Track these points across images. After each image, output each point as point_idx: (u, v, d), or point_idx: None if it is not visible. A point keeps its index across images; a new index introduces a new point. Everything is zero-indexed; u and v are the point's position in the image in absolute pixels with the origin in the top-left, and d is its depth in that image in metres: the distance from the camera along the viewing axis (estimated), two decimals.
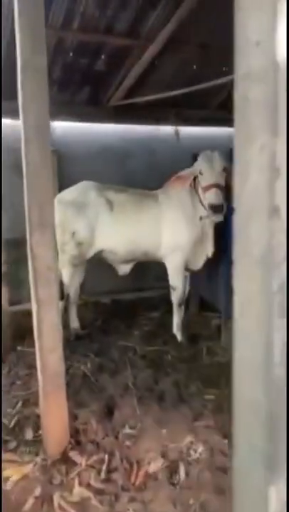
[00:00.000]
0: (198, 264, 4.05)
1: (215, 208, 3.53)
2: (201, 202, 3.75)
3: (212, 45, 3.88)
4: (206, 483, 2.24)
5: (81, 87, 4.14)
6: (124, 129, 4.98)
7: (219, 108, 4.95)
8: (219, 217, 3.67)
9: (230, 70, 4.11)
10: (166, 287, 5.37)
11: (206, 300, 4.62)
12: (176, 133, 4.46)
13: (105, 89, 4.24)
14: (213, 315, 4.62)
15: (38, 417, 2.88)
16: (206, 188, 3.59)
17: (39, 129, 2.25)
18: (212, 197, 3.54)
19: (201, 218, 3.77)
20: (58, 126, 4.36)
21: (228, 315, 3.97)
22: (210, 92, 4.50)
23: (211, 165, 3.62)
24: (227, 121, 5.07)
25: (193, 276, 4.42)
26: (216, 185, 3.56)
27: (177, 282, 4.05)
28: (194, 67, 4.07)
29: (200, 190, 3.73)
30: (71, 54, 3.63)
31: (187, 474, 2.30)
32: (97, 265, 4.51)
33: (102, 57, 3.73)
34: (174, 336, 4.17)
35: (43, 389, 2.46)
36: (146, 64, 3.83)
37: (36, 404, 3.02)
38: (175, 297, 4.10)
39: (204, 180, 3.63)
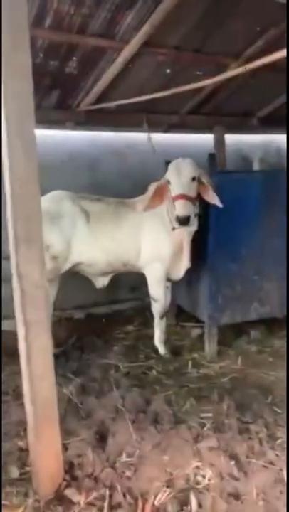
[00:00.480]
0: (180, 274, 3.91)
1: (181, 220, 3.35)
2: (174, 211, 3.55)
3: (187, 49, 3.77)
4: None
5: (50, 91, 3.91)
6: (94, 136, 4.78)
7: (191, 113, 4.86)
8: (191, 228, 3.54)
9: (204, 75, 4.04)
10: (141, 299, 5.22)
11: (185, 310, 4.48)
12: (150, 140, 4.31)
13: (76, 93, 4.03)
14: (192, 325, 4.50)
15: (22, 451, 2.62)
16: (174, 199, 3.43)
17: (24, 134, 2.01)
18: (178, 208, 3.36)
19: (173, 229, 3.61)
20: None
21: (214, 323, 3.86)
22: (183, 97, 4.40)
23: (179, 174, 3.45)
24: (201, 127, 5.03)
25: (172, 286, 4.28)
26: (183, 196, 3.38)
27: (158, 294, 3.88)
28: (168, 71, 3.95)
29: (171, 200, 3.55)
30: (41, 55, 3.40)
31: (199, 505, 2.12)
32: (68, 279, 4.28)
33: (74, 58, 3.52)
34: (155, 350, 4.00)
35: (33, 420, 2.19)
36: (120, 67, 3.67)
37: (18, 436, 2.76)
38: (156, 309, 3.94)
39: (172, 191, 3.47)
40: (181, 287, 4.31)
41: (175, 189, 3.42)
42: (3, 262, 4.30)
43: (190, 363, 3.77)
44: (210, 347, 3.90)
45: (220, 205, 3.44)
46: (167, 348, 3.98)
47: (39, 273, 2.11)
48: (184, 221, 3.34)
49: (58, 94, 3.98)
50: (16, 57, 1.96)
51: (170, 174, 3.49)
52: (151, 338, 4.16)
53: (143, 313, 4.90)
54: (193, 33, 3.61)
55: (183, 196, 3.37)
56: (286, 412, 2.73)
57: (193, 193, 3.44)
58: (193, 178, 3.43)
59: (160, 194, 3.58)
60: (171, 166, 3.53)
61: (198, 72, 4.06)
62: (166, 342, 4.05)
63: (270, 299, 4.06)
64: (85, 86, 3.93)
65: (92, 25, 3.25)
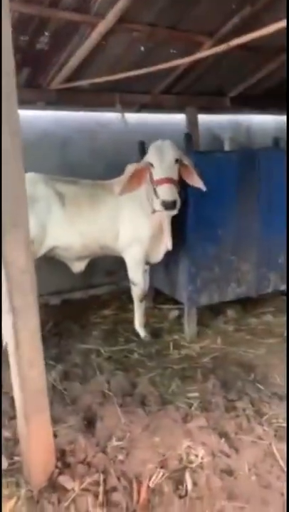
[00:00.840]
0: (159, 256, 3.88)
1: (167, 205, 3.27)
2: (155, 194, 3.48)
3: (161, 26, 3.68)
4: (217, 489, 2.10)
5: (20, 69, 3.72)
6: (65, 115, 4.62)
7: (164, 93, 4.78)
8: (172, 212, 3.45)
9: (178, 53, 3.97)
10: (116, 283, 5.18)
11: (161, 292, 4.48)
12: (123, 118, 4.21)
13: (47, 70, 3.86)
14: (170, 307, 4.51)
15: (8, 440, 2.56)
16: (158, 183, 3.33)
17: (7, 110, 1.91)
18: (164, 193, 3.27)
19: (153, 212, 3.55)
20: None
21: (193, 305, 3.88)
22: (156, 76, 4.32)
23: (162, 157, 3.35)
24: (174, 107, 4.97)
25: (150, 270, 4.26)
26: (167, 180, 3.29)
27: (137, 277, 3.85)
28: (142, 48, 3.84)
29: (153, 184, 3.47)
30: (11, 29, 3.21)
31: (194, 483, 2.14)
32: (44, 264, 4.17)
33: (46, 34, 3.36)
34: (134, 333, 3.99)
35: (23, 409, 2.14)
36: (93, 43, 3.53)
37: (3, 426, 2.68)
38: (135, 293, 3.90)
39: (156, 174, 3.36)
40: (159, 270, 4.30)
41: (159, 173, 3.32)
42: None
43: (171, 344, 3.79)
44: (189, 328, 3.93)
45: (204, 188, 3.39)
46: (147, 330, 3.98)
47: (25, 258, 2.03)
48: (170, 206, 3.25)
49: (29, 72, 3.80)
50: None
51: (152, 157, 3.37)
52: (130, 321, 4.15)
53: (119, 298, 4.87)
54: (169, 9, 3.51)
55: (168, 180, 3.27)
56: (286, 402, 2.77)
57: (176, 176, 3.36)
58: (176, 161, 3.35)
59: (138, 177, 3.47)
60: (152, 149, 3.42)
61: (172, 51, 3.98)
62: (146, 325, 4.04)
63: (247, 280, 4.12)
64: (57, 63, 3.77)
65: None
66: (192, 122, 5.07)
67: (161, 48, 3.98)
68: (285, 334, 3.81)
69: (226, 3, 3.63)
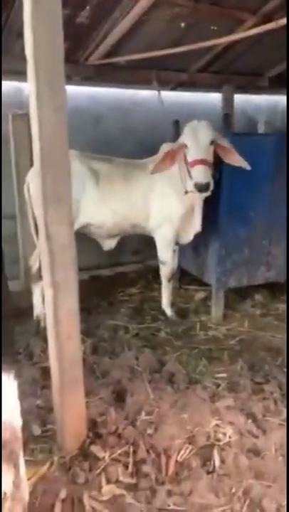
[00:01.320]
0: (189, 237, 3.88)
1: (200, 187, 3.23)
2: (189, 175, 3.46)
3: (204, 1, 3.59)
4: (244, 468, 2.15)
5: None
6: (99, 92, 4.60)
7: (200, 71, 4.69)
8: (205, 194, 3.40)
9: (219, 30, 3.88)
10: (142, 262, 5.22)
11: (187, 273, 4.50)
12: (160, 96, 4.16)
13: (85, 45, 3.83)
14: (196, 288, 4.53)
15: (41, 408, 2.65)
16: (192, 164, 3.29)
17: (54, 85, 1.92)
18: (197, 175, 3.23)
19: (186, 192, 3.54)
20: (26, 86, 3.91)
21: (221, 287, 3.89)
22: (194, 54, 4.24)
23: (197, 138, 3.30)
24: (210, 85, 4.87)
25: (179, 250, 4.27)
26: (202, 161, 3.25)
27: (166, 257, 3.87)
28: (182, 25, 3.76)
29: (187, 165, 3.43)
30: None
31: (222, 460, 2.20)
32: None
33: (87, 7, 3.32)
34: (161, 312, 4.03)
35: (59, 381, 2.21)
36: (135, 18, 3.48)
37: (35, 395, 2.78)
38: (164, 272, 3.93)
39: (190, 156, 3.32)
40: (187, 251, 4.30)
41: (193, 154, 3.28)
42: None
43: (197, 325, 3.82)
44: (216, 310, 3.95)
45: (248, 167, 3.34)
46: (173, 310, 4.02)
47: (68, 233, 2.08)
48: (203, 188, 3.22)
49: (67, 47, 3.75)
50: (46, 2, 1.84)
51: (187, 138, 3.33)
52: (156, 300, 4.20)
53: (145, 276, 4.92)
54: None
55: (202, 161, 3.23)
56: (286, 402, 2.79)
57: (211, 158, 3.32)
58: (212, 142, 3.31)
59: (171, 157, 3.44)
60: (187, 129, 3.38)
61: (212, 27, 3.89)
62: (172, 305, 4.08)
63: (277, 264, 4.09)
64: (96, 38, 3.73)
65: None
66: (228, 102, 4.98)
67: (201, 25, 3.90)
68: None
69: None
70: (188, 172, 3.36)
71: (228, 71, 4.85)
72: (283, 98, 5.72)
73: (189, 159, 3.34)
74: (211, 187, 3.31)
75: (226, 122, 3.57)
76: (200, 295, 4.41)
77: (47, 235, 2.03)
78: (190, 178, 3.36)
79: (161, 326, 3.81)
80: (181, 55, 4.04)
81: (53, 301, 2.09)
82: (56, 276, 2.07)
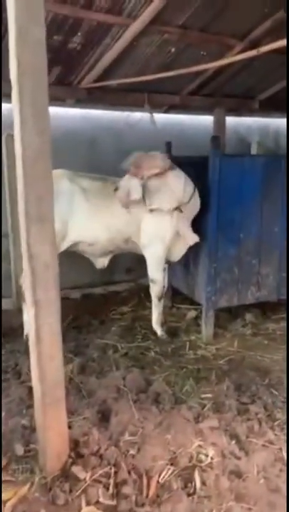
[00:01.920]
0: (179, 255, 3.93)
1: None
2: None
3: (193, 28, 3.70)
4: (225, 490, 2.13)
5: (51, 67, 3.80)
6: (93, 114, 4.69)
7: (192, 94, 4.80)
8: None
9: (208, 55, 3.99)
10: (135, 280, 5.24)
11: (180, 292, 4.52)
12: (152, 118, 4.25)
13: (78, 69, 3.93)
14: (188, 307, 4.55)
15: (26, 428, 2.64)
16: None
17: (37, 109, 1.98)
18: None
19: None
20: None
21: (211, 307, 3.90)
22: (185, 78, 4.34)
23: None
24: (202, 108, 4.97)
25: (168, 268, 4.30)
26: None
27: (157, 275, 3.90)
28: (172, 50, 3.87)
29: None
30: (45, 29, 3.29)
31: (203, 482, 2.18)
32: (65, 259, 4.26)
33: (79, 34, 3.42)
34: (151, 331, 4.04)
35: (41, 401, 2.21)
36: (125, 44, 3.58)
37: (20, 414, 2.78)
38: (154, 291, 3.95)
39: None
40: (178, 270, 4.34)
41: None
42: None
43: (187, 344, 3.83)
44: (206, 329, 3.95)
45: None
46: (164, 329, 4.02)
47: (50, 253, 2.10)
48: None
49: (60, 71, 3.89)
50: (30, 31, 1.91)
51: None
52: (147, 319, 4.20)
53: (138, 295, 4.92)
54: (201, 12, 3.53)
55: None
56: (286, 397, 2.79)
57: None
58: None
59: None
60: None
61: (202, 53, 4.00)
62: (163, 324, 4.09)
63: (267, 284, 4.12)
64: (88, 62, 3.84)
65: (100, 0, 3.16)
66: (220, 124, 5.08)
67: (191, 50, 4.01)
68: None
69: (258, 7, 3.63)
70: None
71: (220, 94, 4.96)
72: (274, 120, 5.83)
73: None
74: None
75: (214, 144, 3.63)
76: (191, 314, 4.42)
77: (29, 255, 2.06)
78: None
79: (151, 346, 3.80)
80: (173, 79, 4.15)
81: (35, 320, 2.11)
82: (38, 295, 2.10)
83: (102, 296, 5.00)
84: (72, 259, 4.16)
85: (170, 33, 3.64)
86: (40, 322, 2.12)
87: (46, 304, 2.12)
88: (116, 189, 3.53)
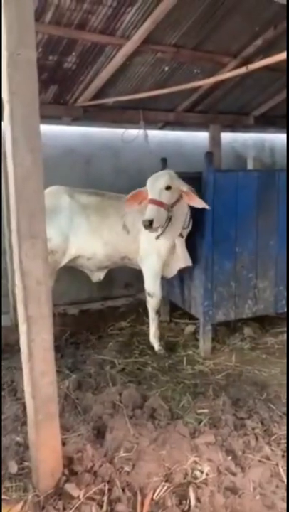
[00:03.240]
0: (173, 271, 3.96)
1: (144, 222, 3.40)
2: None
3: (186, 47, 3.78)
4: (220, 507, 2.10)
5: (47, 86, 3.89)
6: (89, 131, 4.77)
7: (188, 111, 4.87)
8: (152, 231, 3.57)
9: (202, 73, 4.06)
10: (134, 295, 5.25)
11: (178, 307, 4.51)
12: (146, 136, 4.32)
13: (73, 88, 4.01)
14: (186, 322, 4.54)
15: (20, 445, 2.62)
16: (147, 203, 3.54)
17: (28, 128, 2.02)
18: (147, 212, 3.44)
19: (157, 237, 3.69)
20: None
21: (208, 321, 3.89)
22: (180, 95, 4.42)
23: (153, 183, 3.56)
24: (197, 124, 5.04)
25: (163, 283, 4.31)
26: (153, 201, 3.47)
27: (154, 289, 3.91)
28: (166, 68, 3.95)
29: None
30: (40, 49, 3.38)
31: (198, 499, 2.15)
32: (63, 275, 4.29)
33: (73, 54, 3.50)
34: (149, 346, 4.02)
35: (34, 417, 2.20)
36: (119, 63, 3.66)
37: (15, 431, 2.76)
38: (151, 304, 3.96)
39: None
40: (175, 284, 4.34)
41: (149, 195, 3.53)
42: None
43: (185, 359, 3.81)
44: (204, 344, 3.93)
45: (207, 207, 3.53)
46: (162, 344, 4.01)
47: (42, 269, 2.12)
48: (147, 223, 3.37)
49: (56, 90, 3.96)
50: (21, 53, 1.96)
51: (148, 182, 3.60)
52: (145, 334, 4.19)
53: (136, 310, 4.92)
54: (193, 31, 3.62)
55: (153, 201, 3.46)
56: (286, 411, 2.77)
57: (165, 201, 3.49)
58: (168, 187, 3.50)
59: (138, 196, 3.70)
60: (150, 177, 3.63)
61: (196, 71, 4.07)
62: (161, 338, 4.08)
63: (264, 297, 4.11)
64: (83, 81, 3.92)
65: (93, 21, 3.24)
66: (215, 140, 5.15)
67: (185, 68, 4.09)
68: None
69: (249, 25, 3.71)
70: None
71: (214, 111, 5.04)
72: (270, 135, 5.90)
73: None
74: (156, 225, 3.44)
75: (208, 160, 3.67)
76: (190, 329, 4.41)
77: (21, 271, 2.08)
78: None
79: (148, 361, 3.79)
80: (168, 96, 4.23)
81: (27, 335, 2.12)
82: (30, 311, 2.10)
83: (100, 311, 5.00)
84: (70, 274, 4.19)
85: (163, 52, 3.72)
86: (32, 338, 2.12)
87: (38, 319, 2.12)
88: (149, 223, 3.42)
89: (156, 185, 3.52)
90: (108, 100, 4.07)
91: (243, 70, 2.80)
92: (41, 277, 2.12)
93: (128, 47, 3.48)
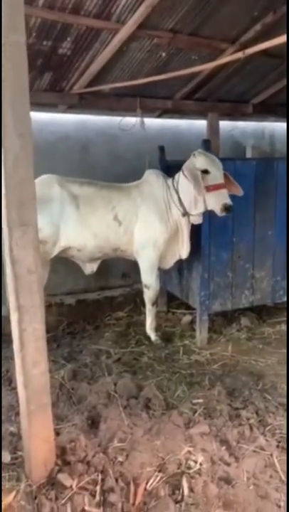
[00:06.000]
0: (170, 263, 3.94)
1: (230, 207, 3.42)
2: (203, 201, 3.52)
3: (183, 32, 3.70)
4: (213, 497, 2.09)
5: (42, 73, 3.82)
6: (85, 119, 4.70)
7: (185, 99, 4.80)
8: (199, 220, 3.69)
9: (200, 59, 3.99)
10: (130, 285, 5.22)
11: (175, 297, 4.49)
12: (143, 124, 4.25)
13: (69, 75, 3.94)
14: (183, 312, 4.52)
15: (13, 435, 2.61)
16: (215, 188, 3.45)
17: (18, 113, 1.97)
18: (224, 197, 3.43)
19: (184, 215, 3.68)
20: None
21: (205, 311, 3.87)
22: (178, 82, 4.35)
23: (218, 165, 3.50)
24: (195, 112, 4.98)
25: (161, 274, 4.27)
26: (224, 186, 3.46)
27: (150, 280, 3.87)
28: (163, 54, 3.87)
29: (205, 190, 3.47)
30: (34, 34, 3.31)
31: (191, 489, 2.14)
32: (59, 264, 4.26)
33: (68, 39, 3.43)
34: (146, 336, 4.01)
35: (26, 407, 2.18)
36: (115, 49, 3.58)
37: (9, 421, 2.75)
38: (148, 296, 3.92)
39: (211, 180, 3.46)
40: (173, 274, 4.31)
41: (217, 178, 3.46)
42: None
43: (181, 349, 3.79)
44: (201, 334, 3.92)
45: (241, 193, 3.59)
46: (158, 334, 3.99)
47: (33, 258, 2.08)
48: (231, 208, 3.42)
49: (51, 76, 3.89)
50: (11, 38, 1.91)
51: (208, 164, 3.47)
52: (142, 324, 4.17)
53: (133, 300, 4.89)
54: (190, 16, 3.54)
55: (224, 185, 3.44)
56: (286, 408, 2.75)
57: None
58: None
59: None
60: (204, 157, 3.50)
61: (193, 57, 4.00)
62: (158, 329, 4.06)
63: (261, 288, 4.08)
64: (79, 68, 3.84)
65: (88, 5, 3.17)
66: (213, 128, 5.08)
67: (182, 55, 4.01)
68: None
69: (248, 10, 3.63)
70: (205, 198, 3.48)
71: (213, 99, 4.96)
72: (269, 124, 5.82)
73: (211, 184, 3.46)
74: None
75: (205, 148, 3.62)
76: (187, 319, 4.39)
77: (12, 259, 2.04)
78: (203, 202, 3.50)
79: (144, 351, 3.77)
80: (165, 83, 4.16)
81: (18, 325, 2.09)
82: (21, 301, 2.07)
83: (97, 301, 4.97)
84: (67, 264, 4.15)
85: (160, 37, 3.64)
86: (24, 327, 2.09)
87: (30, 308, 2.09)
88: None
89: (220, 167, 3.50)
90: (104, 87, 3.99)
91: (239, 54, 2.73)
92: (32, 266, 2.08)
93: (124, 32, 3.41)
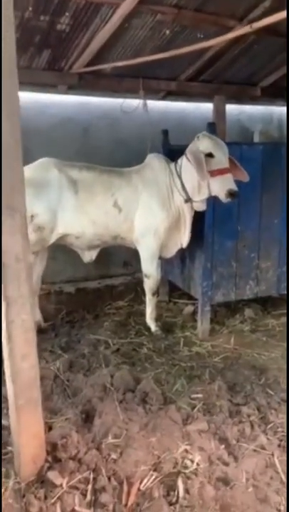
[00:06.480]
0: (172, 252, 3.79)
1: (235, 193, 3.27)
2: (207, 186, 3.37)
3: (188, 8, 3.51)
4: (209, 499, 1.99)
5: (40, 51, 3.64)
6: (86, 100, 4.53)
7: (191, 80, 4.60)
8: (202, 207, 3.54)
9: (206, 37, 3.79)
10: (131, 274, 5.09)
11: (178, 287, 4.36)
12: (145, 106, 4.08)
13: (68, 53, 3.76)
14: (185, 302, 4.39)
15: (5, 429, 2.51)
16: (220, 172, 3.29)
17: (7, 94, 1.82)
18: (230, 182, 3.27)
19: (186, 201, 3.55)
20: None
21: (207, 302, 3.75)
22: (182, 62, 4.15)
23: (222, 148, 3.34)
24: (201, 95, 4.79)
25: (162, 263, 4.14)
26: (229, 170, 3.31)
27: (151, 269, 3.73)
28: (167, 32, 3.68)
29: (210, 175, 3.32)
30: (30, 9, 3.13)
31: (186, 490, 2.04)
32: (59, 252, 4.14)
33: (67, 14, 3.25)
34: (146, 326, 3.89)
35: (14, 402, 2.08)
36: (116, 25, 3.40)
37: (1, 414, 2.65)
38: (148, 286, 3.79)
39: (216, 165, 3.30)
40: (175, 264, 4.18)
41: (222, 163, 3.30)
42: None
43: (182, 341, 3.68)
44: (202, 325, 3.79)
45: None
46: (159, 325, 3.87)
47: (21, 245, 1.96)
48: (237, 194, 3.27)
49: (49, 55, 3.72)
50: None
51: (214, 148, 3.31)
52: (143, 314, 4.05)
53: (134, 289, 4.77)
54: None
55: (229, 170, 3.29)
56: (286, 404, 2.64)
57: None
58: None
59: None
60: (210, 140, 3.34)
61: (199, 35, 3.80)
62: (158, 319, 3.94)
63: (266, 278, 3.94)
64: (78, 46, 3.67)
65: None
66: (220, 112, 4.88)
67: (187, 32, 3.82)
68: None
69: None
70: (209, 182, 3.34)
71: (219, 80, 4.76)
72: (278, 108, 5.61)
73: (215, 168, 3.30)
74: None
75: (210, 131, 3.45)
76: (188, 309, 4.27)
77: None
78: (207, 188, 3.36)
79: (144, 342, 3.66)
80: (169, 63, 3.97)
81: (6, 316, 1.97)
82: (9, 291, 1.95)
83: (97, 290, 4.86)
84: (66, 253, 4.03)
85: (163, 13, 3.44)
86: (12, 318, 1.97)
87: (18, 299, 1.97)
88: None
89: (226, 151, 3.35)
90: (105, 66, 3.81)
91: (247, 28, 2.55)
92: (21, 254, 1.96)
93: (125, 6, 3.21)
